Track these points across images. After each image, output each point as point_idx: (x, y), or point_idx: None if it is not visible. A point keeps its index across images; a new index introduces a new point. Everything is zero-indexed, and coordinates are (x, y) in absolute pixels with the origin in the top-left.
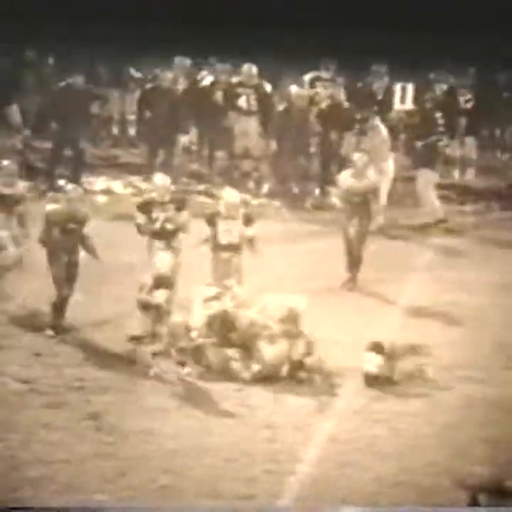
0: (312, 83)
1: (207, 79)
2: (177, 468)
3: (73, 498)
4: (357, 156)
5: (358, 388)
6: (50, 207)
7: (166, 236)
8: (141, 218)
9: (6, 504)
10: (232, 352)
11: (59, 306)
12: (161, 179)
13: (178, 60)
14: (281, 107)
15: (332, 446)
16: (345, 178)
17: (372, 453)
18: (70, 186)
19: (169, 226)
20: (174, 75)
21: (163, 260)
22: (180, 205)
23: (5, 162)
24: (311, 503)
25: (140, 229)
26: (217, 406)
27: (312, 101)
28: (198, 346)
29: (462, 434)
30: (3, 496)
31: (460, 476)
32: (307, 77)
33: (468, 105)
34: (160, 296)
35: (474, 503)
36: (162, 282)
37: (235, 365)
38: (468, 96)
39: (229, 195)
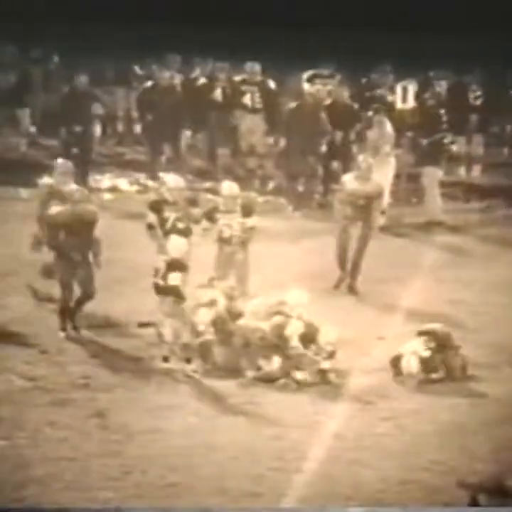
0: (310, 80)
1: (210, 77)
2: (183, 467)
3: (79, 496)
4: (361, 158)
5: (363, 386)
6: (54, 209)
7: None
8: (152, 217)
9: (12, 502)
10: (238, 350)
11: (65, 309)
12: (173, 179)
13: (180, 58)
14: (288, 105)
15: (338, 444)
16: (349, 181)
17: (378, 451)
18: (73, 186)
19: (180, 225)
20: (178, 73)
21: (176, 244)
22: (191, 205)
23: (59, 160)
24: (318, 501)
25: (151, 228)
26: (223, 404)
27: (314, 97)
28: (205, 343)
29: (467, 432)
30: (9, 494)
31: (463, 475)
32: (305, 75)
33: (478, 102)
34: (175, 278)
35: (474, 503)
36: (175, 266)
37: (242, 363)
38: (478, 93)
39: (227, 188)
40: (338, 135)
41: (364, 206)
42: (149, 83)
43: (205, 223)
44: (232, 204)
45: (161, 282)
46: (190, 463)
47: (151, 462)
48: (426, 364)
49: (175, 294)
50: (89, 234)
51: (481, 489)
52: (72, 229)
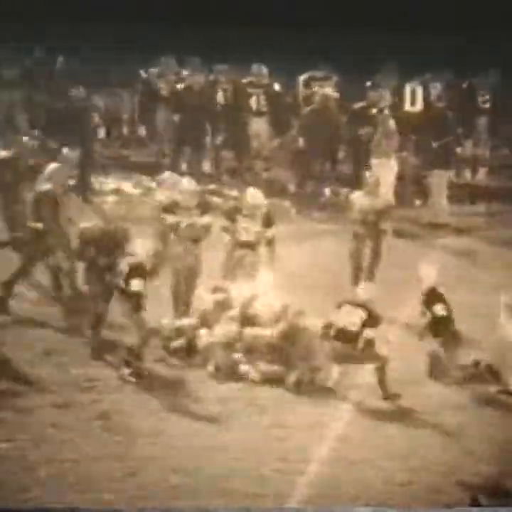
0: (307, 83)
1: (215, 79)
2: (186, 468)
3: (83, 497)
4: (368, 175)
5: (367, 387)
6: (84, 224)
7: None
8: (171, 219)
9: (16, 503)
10: (238, 355)
11: (96, 324)
12: (188, 183)
13: (183, 60)
14: (305, 108)
15: (342, 445)
16: (357, 198)
17: (382, 452)
18: (107, 207)
19: (191, 232)
20: (174, 76)
21: (140, 247)
22: (203, 210)
23: (166, 173)
24: (321, 502)
25: (175, 229)
26: (226, 405)
27: (307, 100)
28: (208, 346)
29: (472, 433)
30: (13, 495)
31: (466, 475)
32: (302, 77)
33: (486, 105)
34: (137, 285)
35: (475, 503)
36: (138, 271)
37: (243, 368)
38: (486, 96)
39: (252, 195)
40: (354, 138)
41: (374, 222)
42: (181, 85)
43: (223, 221)
44: (254, 211)
45: (122, 285)
46: (193, 464)
47: (155, 464)
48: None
49: (136, 300)
50: (118, 251)
51: (483, 489)
52: (101, 244)
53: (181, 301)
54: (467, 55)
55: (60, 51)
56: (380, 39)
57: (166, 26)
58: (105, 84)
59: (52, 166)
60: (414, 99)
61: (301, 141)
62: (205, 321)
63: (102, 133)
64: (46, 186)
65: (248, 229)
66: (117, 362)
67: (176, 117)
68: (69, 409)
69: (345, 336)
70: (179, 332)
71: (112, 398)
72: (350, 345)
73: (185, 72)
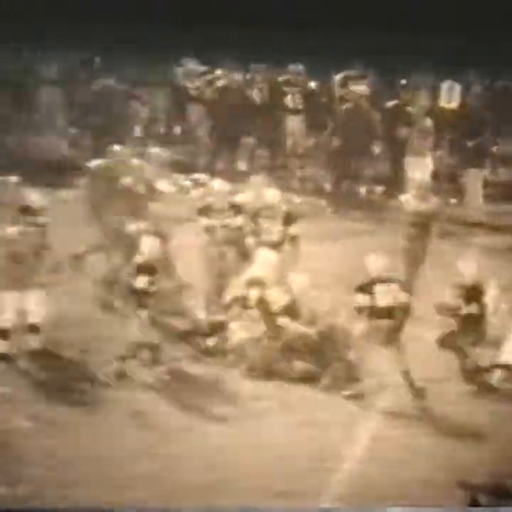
0: (343, 82)
1: (252, 78)
2: (220, 466)
3: (116, 496)
4: (419, 177)
5: (399, 386)
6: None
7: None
8: (205, 221)
9: (53, 501)
10: (274, 353)
11: None
12: (219, 185)
13: (225, 59)
14: (341, 106)
15: (375, 444)
16: (408, 201)
17: (412, 452)
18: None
19: (225, 233)
20: (220, 75)
21: (147, 246)
22: (236, 212)
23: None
24: (354, 501)
25: (208, 231)
26: (260, 404)
27: (343, 99)
28: (240, 344)
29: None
30: (50, 493)
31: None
32: (338, 77)
33: None
34: (141, 281)
35: (474, 503)
36: (145, 268)
37: (281, 366)
38: None
39: (267, 194)
40: (389, 136)
41: (426, 224)
42: (217, 84)
43: (251, 225)
44: (271, 211)
45: (132, 283)
46: (225, 463)
47: (188, 462)
48: None
49: (140, 297)
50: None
51: (482, 489)
52: None
53: (215, 300)
54: (502, 55)
55: (97, 51)
56: (415, 38)
57: (202, 25)
58: (140, 84)
59: (136, 161)
60: (450, 97)
61: (336, 140)
62: (239, 319)
63: (137, 131)
64: (126, 180)
65: (270, 229)
66: (150, 360)
67: (211, 116)
68: (101, 406)
69: (390, 313)
70: (212, 330)
71: (146, 396)
72: (393, 322)
73: (220, 71)
